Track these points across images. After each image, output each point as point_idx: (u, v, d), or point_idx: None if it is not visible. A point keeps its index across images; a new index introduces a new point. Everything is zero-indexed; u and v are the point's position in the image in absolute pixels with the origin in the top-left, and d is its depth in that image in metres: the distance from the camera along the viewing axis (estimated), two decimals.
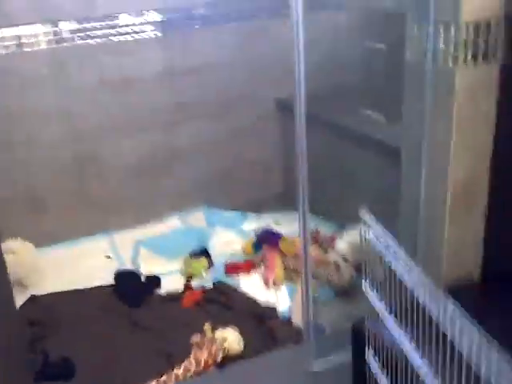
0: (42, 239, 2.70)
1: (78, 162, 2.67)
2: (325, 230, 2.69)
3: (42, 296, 2.37)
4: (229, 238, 2.75)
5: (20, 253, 2.45)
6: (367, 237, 1.14)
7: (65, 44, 2.43)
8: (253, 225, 2.86)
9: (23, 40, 2.34)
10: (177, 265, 2.56)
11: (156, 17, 2.56)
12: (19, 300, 2.30)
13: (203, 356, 1.81)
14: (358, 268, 2.15)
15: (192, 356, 1.83)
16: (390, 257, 1.06)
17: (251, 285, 2.38)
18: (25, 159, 2.57)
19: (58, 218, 2.73)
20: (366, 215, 1.14)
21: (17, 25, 2.32)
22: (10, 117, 2.47)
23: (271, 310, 2.16)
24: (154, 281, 2.46)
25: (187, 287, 2.39)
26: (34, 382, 1.86)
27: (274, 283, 2.34)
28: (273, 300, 2.23)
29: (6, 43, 2.32)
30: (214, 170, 2.95)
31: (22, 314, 2.20)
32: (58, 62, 2.47)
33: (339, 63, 2.64)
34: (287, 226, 2.78)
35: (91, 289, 2.41)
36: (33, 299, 2.34)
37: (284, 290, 2.30)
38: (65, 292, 2.39)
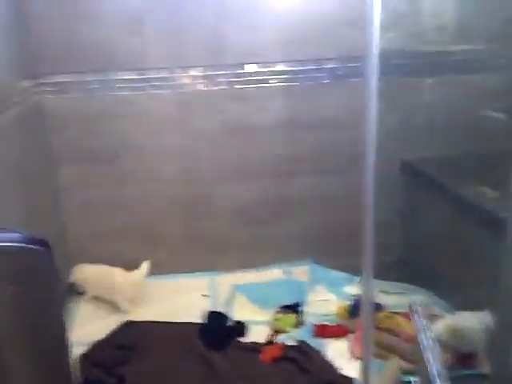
0: (155, 270, 2.85)
1: (191, 200, 2.79)
2: (438, 308, 2.44)
3: (136, 322, 2.46)
4: (327, 298, 2.62)
5: (130, 279, 2.61)
6: None
7: (191, 88, 2.61)
8: (356, 289, 2.68)
9: (156, 83, 2.57)
10: (267, 315, 2.49)
11: (282, 67, 2.62)
12: (115, 322, 2.44)
13: None
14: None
15: None
16: None
17: (336, 351, 2.21)
18: (145, 193, 2.76)
19: (167, 251, 2.86)
20: None
21: (154, 68, 2.56)
22: (138, 152, 2.69)
23: (347, 381, 1.98)
24: (241, 327, 2.42)
25: (270, 341, 2.30)
26: None
27: (359, 356, 2.14)
28: (354, 372, 2.03)
29: (142, 84, 2.57)
30: (326, 225, 2.87)
31: (113, 336, 2.33)
32: (185, 105, 2.64)
33: (460, 130, 2.46)
34: (394, 297, 2.58)
35: (180, 323, 2.45)
36: (128, 324, 2.44)
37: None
38: (157, 322, 2.46)
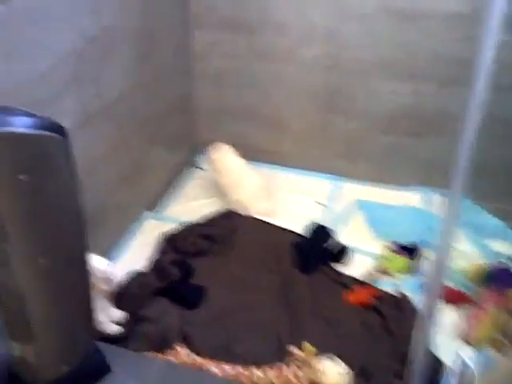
0: (276, 159, 2.58)
1: (329, 90, 2.33)
2: None
3: (235, 214, 2.24)
4: (463, 249, 2.08)
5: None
6: None
7: None
8: (508, 248, 2.09)
9: None
10: (379, 248, 2.09)
11: None
12: (216, 207, 2.29)
13: (281, 375, 1.44)
14: None
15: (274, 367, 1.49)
16: None
17: (444, 322, 1.76)
18: (279, 73, 2.37)
19: (292, 142, 2.53)
20: None
21: None
22: (278, 27, 2.26)
23: (440, 364, 1.56)
24: (342, 252, 2.07)
25: (367, 281, 1.93)
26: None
27: (469, 341, 1.68)
28: (452, 356, 1.59)
29: None
30: (496, 156, 2.20)
31: (205, 222, 2.19)
32: None
33: None
34: None
35: (279, 228, 2.18)
36: (226, 214, 2.24)
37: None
38: (256, 220, 2.22)
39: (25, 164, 1.01)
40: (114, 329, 1.63)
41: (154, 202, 2.30)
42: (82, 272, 1.28)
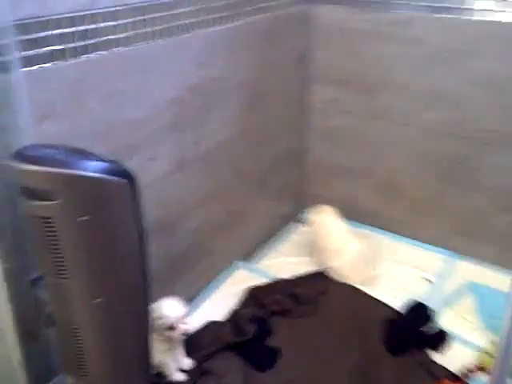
0: (384, 224, 2.44)
1: (450, 159, 2.15)
2: None
3: (327, 277, 2.13)
4: None
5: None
6: None
7: (488, 18, 1.88)
8: None
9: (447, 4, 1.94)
10: (484, 339, 1.83)
11: None
12: (309, 267, 2.20)
13: None
14: None
15: None
16: None
17: None
18: (396, 135, 2.25)
19: (404, 209, 2.36)
20: None
21: None
22: (399, 86, 2.17)
23: None
24: (440, 338, 1.84)
25: (462, 376, 1.69)
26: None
27: None
28: None
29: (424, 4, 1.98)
30: None
31: (293, 281, 2.10)
32: (473, 38, 1.94)
33: None
34: None
35: (375, 300, 2.02)
36: (318, 275, 2.14)
37: None
38: (352, 287, 2.09)
39: (88, 206, 1.05)
40: (179, 377, 1.61)
41: (247, 253, 2.27)
42: (141, 313, 1.29)
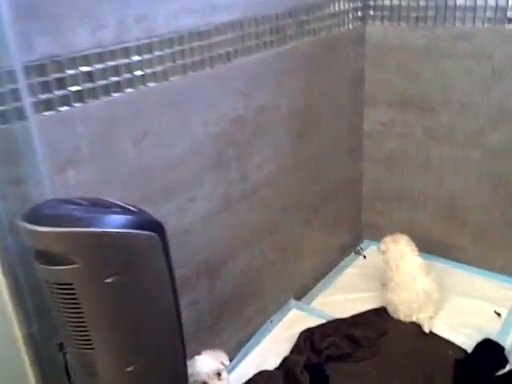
0: (451, 253, 2.24)
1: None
2: None
3: (386, 317, 1.98)
4: None
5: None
6: None
7: None
8: None
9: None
10: None
11: None
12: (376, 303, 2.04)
13: None
14: None
15: None
16: None
17: None
18: (459, 157, 2.08)
19: (472, 236, 2.17)
20: None
21: None
22: (459, 106, 2.01)
23: None
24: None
25: None
26: None
27: None
28: None
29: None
30: None
31: (361, 316, 1.96)
32: None
33: None
34: None
35: (440, 338, 1.84)
36: (379, 312, 1.99)
37: None
38: (415, 324, 1.91)
39: (113, 266, 0.97)
40: None
41: (302, 291, 2.15)
42: (179, 376, 1.20)
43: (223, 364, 1.45)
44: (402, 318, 1.94)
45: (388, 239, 2.06)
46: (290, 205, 1.96)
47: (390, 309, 1.98)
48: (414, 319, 1.92)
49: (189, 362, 1.41)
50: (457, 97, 2.00)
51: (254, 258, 1.84)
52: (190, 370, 1.40)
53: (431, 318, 1.93)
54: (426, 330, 1.86)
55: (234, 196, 1.68)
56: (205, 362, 1.42)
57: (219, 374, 1.43)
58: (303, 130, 1.92)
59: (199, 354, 1.46)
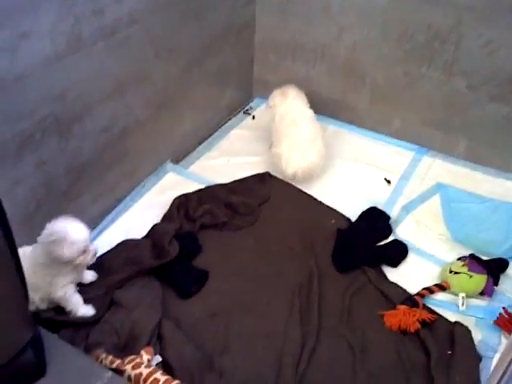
0: (347, 115, 2.10)
1: (418, 29, 1.76)
2: None
3: (275, 179, 1.83)
4: None
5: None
6: None
7: None
8: None
9: None
10: (451, 253, 1.58)
11: None
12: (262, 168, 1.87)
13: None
14: None
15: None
16: None
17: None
18: None
19: (372, 99, 2.01)
20: None
21: None
22: None
23: None
24: (400, 251, 1.59)
25: (418, 296, 1.44)
26: None
27: None
28: None
29: None
30: None
31: (240, 182, 1.79)
32: None
33: None
34: None
35: (324, 206, 1.74)
36: (261, 177, 1.83)
37: None
38: (299, 191, 1.79)
39: None
40: (84, 312, 1.33)
41: (181, 153, 1.92)
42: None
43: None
44: (287, 171, 1.77)
45: (276, 92, 1.85)
46: (162, 52, 1.64)
47: (275, 164, 1.81)
48: (297, 170, 1.76)
49: (55, 228, 1.20)
50: None
51: (118, 115, 1.55)
52: (58, 237, 1.19)
53: (307, 171, 1.77)
54: (311, 196, 1.75)
55: (86, 35, 1.35)
56: (79, 228, 1.21)
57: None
58: None
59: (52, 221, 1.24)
